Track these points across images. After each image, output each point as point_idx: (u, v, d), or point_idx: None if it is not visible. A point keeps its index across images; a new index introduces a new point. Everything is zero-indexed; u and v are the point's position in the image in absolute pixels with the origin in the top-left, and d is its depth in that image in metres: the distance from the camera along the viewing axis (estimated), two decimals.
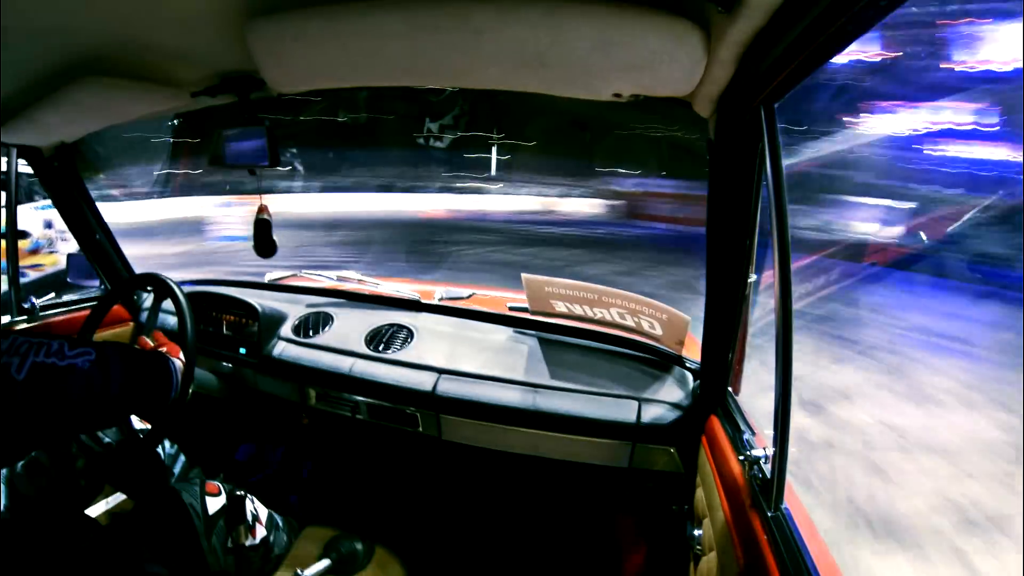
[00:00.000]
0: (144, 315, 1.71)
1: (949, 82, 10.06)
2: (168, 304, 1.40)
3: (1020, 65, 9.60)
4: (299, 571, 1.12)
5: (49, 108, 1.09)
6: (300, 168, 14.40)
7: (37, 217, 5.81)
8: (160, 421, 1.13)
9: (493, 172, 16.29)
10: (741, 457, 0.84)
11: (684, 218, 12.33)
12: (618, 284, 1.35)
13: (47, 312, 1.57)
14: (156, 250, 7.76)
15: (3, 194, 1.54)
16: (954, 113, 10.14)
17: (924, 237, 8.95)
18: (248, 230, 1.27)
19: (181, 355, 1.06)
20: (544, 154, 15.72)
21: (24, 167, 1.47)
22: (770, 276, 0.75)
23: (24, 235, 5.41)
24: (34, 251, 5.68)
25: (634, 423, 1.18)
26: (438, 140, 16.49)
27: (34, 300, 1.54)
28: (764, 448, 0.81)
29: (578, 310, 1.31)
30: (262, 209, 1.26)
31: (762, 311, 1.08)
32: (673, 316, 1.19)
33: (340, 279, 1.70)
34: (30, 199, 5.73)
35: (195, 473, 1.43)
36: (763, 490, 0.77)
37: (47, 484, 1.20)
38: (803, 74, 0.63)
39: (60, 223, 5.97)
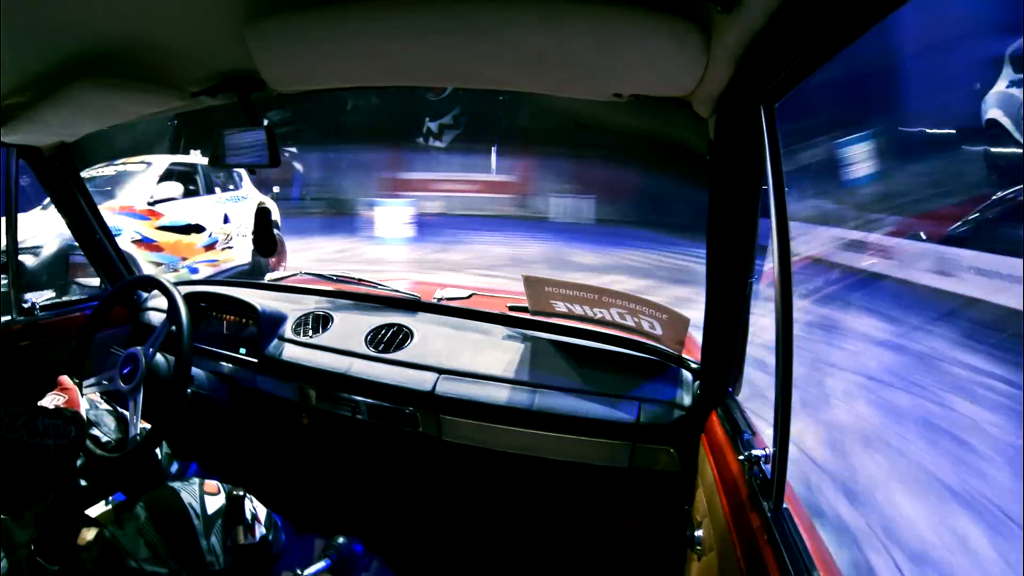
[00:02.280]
0: (144, 315, 1.71)
1: None
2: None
3: None
4: (299, 571, 1.12)
5: (49, 108, 1.09)
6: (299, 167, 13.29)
7: (218, 211, 5.28)
8: (160, 422, 1.13)
9: None
10: (741, 457, 0.84)
11: None
12: None
13: (46, 313, 1.57)
14: None
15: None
16: None
17: None
18: None
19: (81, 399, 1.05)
20: None
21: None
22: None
23: (199, 229, 4.96)
24: (209, 246, 5.16)
25: (634, 423, 1.18)
26: None
27: (33, 300, 1.55)
28: (764, 448, 0.81)
29: (578, 310, 1.31)
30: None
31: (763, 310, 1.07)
32: (673, 316, 1.18)
33: (340, 279, 1.70)
34: (210, 191, 5.30)
35: (194, 473, 1.43)
36: (763, 490, 0.77)
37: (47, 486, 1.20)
38: (803, 74, 0.63)
39: (239, 218, 5.42)
